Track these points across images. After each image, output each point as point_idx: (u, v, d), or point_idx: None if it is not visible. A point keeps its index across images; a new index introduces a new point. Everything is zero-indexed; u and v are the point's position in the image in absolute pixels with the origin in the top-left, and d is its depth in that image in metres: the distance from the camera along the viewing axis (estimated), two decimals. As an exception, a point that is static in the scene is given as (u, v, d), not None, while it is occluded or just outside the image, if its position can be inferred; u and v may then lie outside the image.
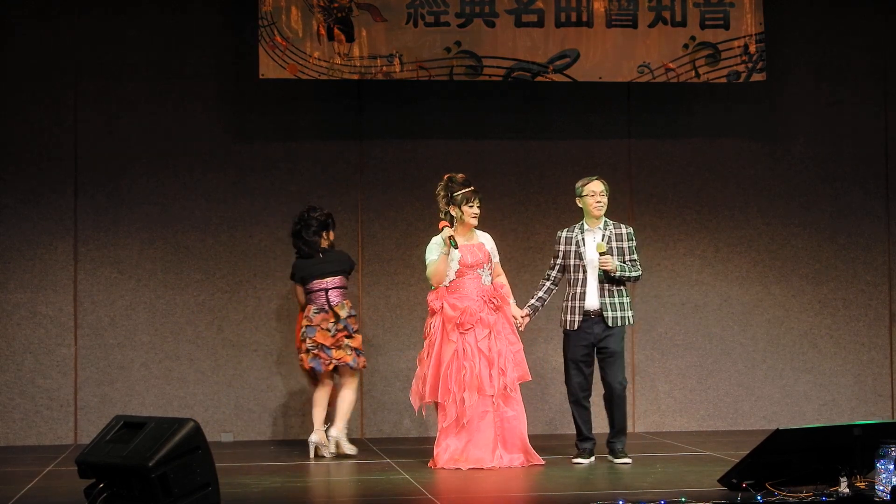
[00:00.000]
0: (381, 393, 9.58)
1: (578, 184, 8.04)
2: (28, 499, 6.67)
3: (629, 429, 9.14)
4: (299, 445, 9.07)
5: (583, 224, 8.02)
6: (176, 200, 9.49)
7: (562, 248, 8.04)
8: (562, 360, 9.54)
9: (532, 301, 8.13)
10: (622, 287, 7.96)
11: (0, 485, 7.20)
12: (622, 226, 8.06)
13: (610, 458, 7.97)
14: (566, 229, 8.08)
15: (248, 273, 9.53)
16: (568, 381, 8.01)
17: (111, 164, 9.45)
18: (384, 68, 9.17)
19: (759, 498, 6.13)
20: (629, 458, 7.92)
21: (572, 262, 7.98)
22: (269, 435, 9.47)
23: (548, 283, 8.13)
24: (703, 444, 8.82)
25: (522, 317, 8.04)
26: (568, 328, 7.96)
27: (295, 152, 9.61)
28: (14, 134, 9.38)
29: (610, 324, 7.88)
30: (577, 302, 7.92)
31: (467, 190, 7.83)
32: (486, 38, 9.22)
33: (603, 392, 8.05)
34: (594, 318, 7.89)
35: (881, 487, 6.07)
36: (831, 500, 6.09)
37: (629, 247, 7.99)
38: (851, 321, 9.97)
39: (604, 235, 7.93)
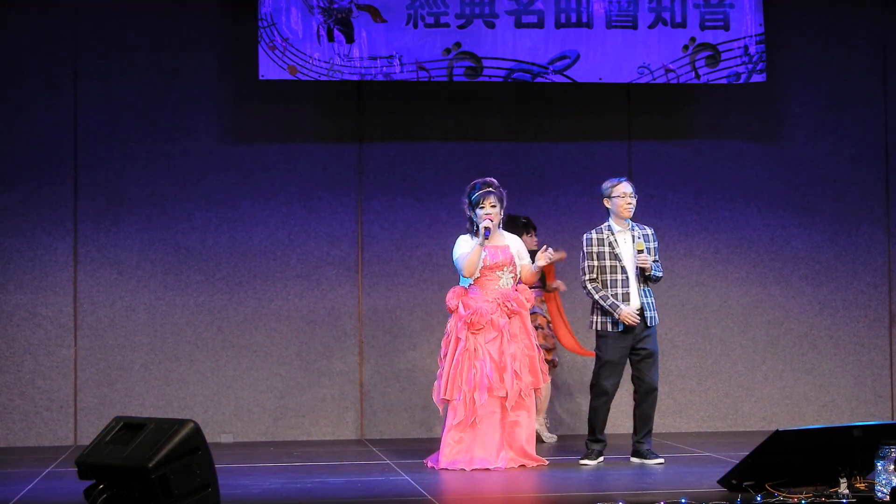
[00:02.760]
0: (381, 394, 9.58)
1: (606, 184, 7.98)
2: (28, 500, 6.67)
3: (625, 430, 9.15)
4: (299, 446, 9.08)
5: (609, 225, 7.98)
6: (176, 201, 9.49)
7: (595, 249, 7.94)
8: (562, 364, 9.59)
9: (609, 301, 7.83)
10: (649, 287, 7.98)
11: (0, 486, 7.20)
12: (645, 227, 8.05)
13: (637, 459, 7.93)
14: (594, 231, 7.98)
15: (247, 274, 9.52)
16: (600, 382, 7.90)
17: (111, 164, 9.45)
18: (384, 69, 9.17)
19: (758, 499, 6.13)
20: (661, 457, 7.92)
21: (608, 263, 7.92)
22: (269, 436, 9.46)
23: (598, 288, 7.90)
24: (702, 445, 8.82)
25: (629, 315, 7.78)
26: (608, 329, 7.88)
27: (295, 153, 9.61)
28: (14, 135, 9.38)
29: (649, 323, 7.86)
30: (621, 303, 7.88)
31: (479, 192, 7.83)
32: (485, 39, 9.22)
33: (634, 392, 8.00)
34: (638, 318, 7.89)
35: (881, 489, 6.07)
36: (831, 501, 6.09)
37: (653, 247, 7.98)
38: (851, 322, 9.97)
39: (635, 237, 7.94)
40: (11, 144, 9.37)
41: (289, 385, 9.51)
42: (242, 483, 7.09)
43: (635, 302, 7.86)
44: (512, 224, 8.57)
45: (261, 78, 9.12)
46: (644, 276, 7.89)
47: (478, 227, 7.81)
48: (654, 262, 7.94)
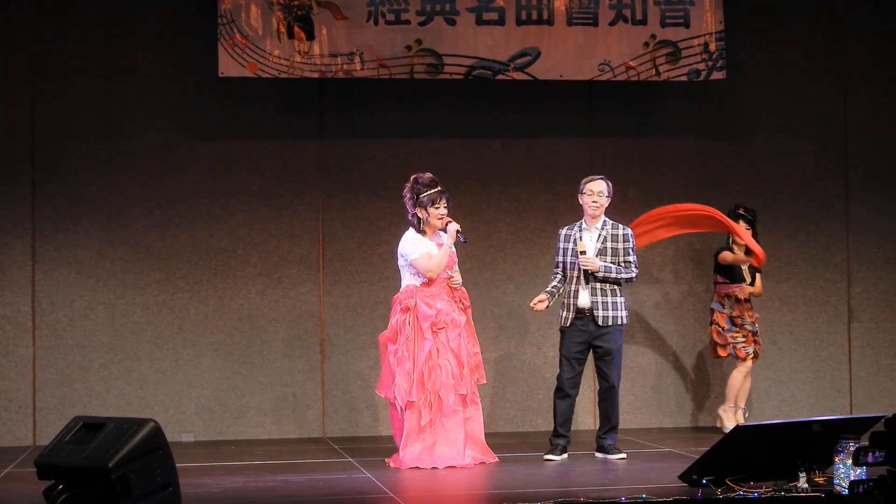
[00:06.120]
0: (343, 392, 9.56)
1: (583, 181, 8.08)
2: (-14, 501, 6.62)
3: (590, 426, 9.19)
4: (261, 445, 9.05)
5: (581, 222, 8.05)
6: (135, 200, 9.43)
7: (561, 245, 8.06)
8: (524, 360, 9.62)
9: (548, 287, 8.08)
10: (616, 286, 7.96)
11: (-43, 487, 7.14)
12: (620, 226, 8.07)
13: (600, 454, 7.99)
14: (567, 227, 8.11)
15: (208, 273, 9.48)
16: (559, 376, 8.02)
17: (69, 163, 9.37)
18: (345, 66, 9.15)
19: (719, 494, 6.16)
20: (623, 452, 7.97)
21: (568, 259, 7.99)
22: (229, 435, 9.42)
23: (557, 278, 8.09)
24: (663, 441, 8.86)
25: (538, 301, 7.99)
26: (562, 324, 8.00)
27: (256, 151, 9.57)
28: (-29, 133, 9.31)
29: (600, 322, 7.91)
30: (571, 299, 7.95)
31: (433, 191, 7.79)
32: (446, 36, 9.22)
33: (597, 389, 8.14)
34: (587, 316, 7.92)
35: (839, 482, 6.12)
36: (790, 495, 6.13)
37: (624, 248, 7.99)
38: (810, 318, 10.04)
39: (600, 235, 7.97)
40: (-32, 143, 9.30)
41: (250, 383, 9.48)
42: (203, 482, 7.07)
43: (584, 300, 7.91)
44: (734, 212, 9.25)
45: (220, 75, 9.07)
46: (596, 276, 7.91)
47: (421, 222, 7.77)
48: (623, 261, 7.95)
